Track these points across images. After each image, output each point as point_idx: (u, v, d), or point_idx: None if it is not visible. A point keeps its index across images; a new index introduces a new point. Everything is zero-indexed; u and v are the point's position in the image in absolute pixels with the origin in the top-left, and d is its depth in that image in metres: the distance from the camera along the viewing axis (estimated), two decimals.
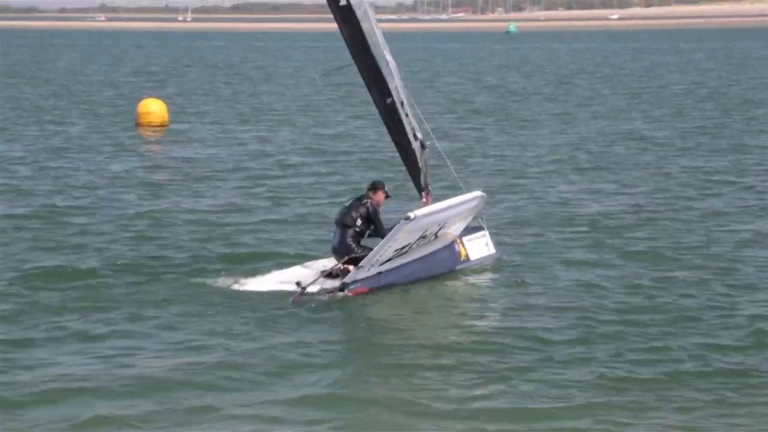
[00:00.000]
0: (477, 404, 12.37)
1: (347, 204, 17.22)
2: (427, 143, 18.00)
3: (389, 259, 16.70)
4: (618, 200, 24.91)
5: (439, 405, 12.30)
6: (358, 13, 16.72)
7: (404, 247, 16.73)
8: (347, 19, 16.74)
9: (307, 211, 23.57)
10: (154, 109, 41.02)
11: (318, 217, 22.72)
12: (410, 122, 17.66)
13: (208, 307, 15.98)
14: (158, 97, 45.69)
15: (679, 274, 17.95)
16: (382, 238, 16.51)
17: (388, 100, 17.29)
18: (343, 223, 16.98)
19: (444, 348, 14.35)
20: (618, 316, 15.67)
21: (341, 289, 16.37)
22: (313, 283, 16.39)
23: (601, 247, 19.88)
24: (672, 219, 22.55)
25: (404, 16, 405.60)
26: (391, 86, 17.23)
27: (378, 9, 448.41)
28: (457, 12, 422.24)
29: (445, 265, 17.81)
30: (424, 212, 16.69)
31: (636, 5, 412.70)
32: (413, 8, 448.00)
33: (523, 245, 20.01)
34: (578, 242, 20.42)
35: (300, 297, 16.06)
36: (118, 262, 18.54)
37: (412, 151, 17.86)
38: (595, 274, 17.94)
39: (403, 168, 18.36)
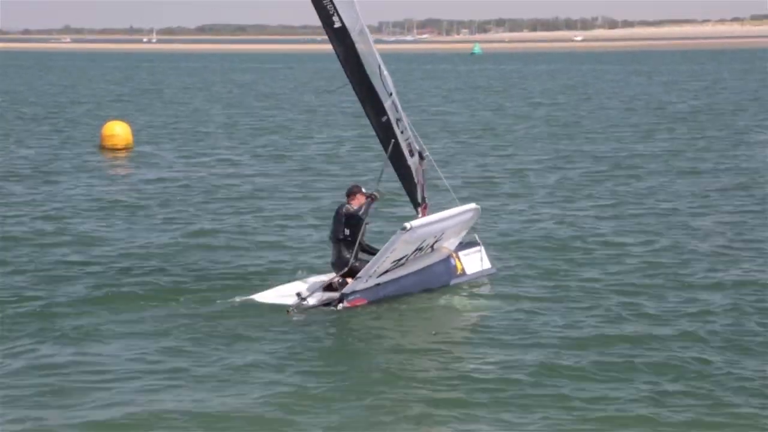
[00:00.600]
0: (467, 416, 12.58)
1: (333, 220, 17.53)
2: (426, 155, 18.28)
3: (387, 271, 17.06)
4: (612, 217, 25.41)
5: (433, 413, 12.64)
6: (353, 35, 16.90)
7: (401, 259, 17.12)
8: (341, 39, 16.91)
9: (277, 234, 23.36)
10: (118, 131, 40.72)
11: (288, 238, 22.59)
12: (407, 138, 17.88)
13: (199, 323, 16.11)
14: (123, 119, 45.38)
15: (677, 290, 18.30)
16: (354, 242, 16.97)
17: (383, 118, 17.53)
18: (335, 239, 17.32)
19: (438, 360, 14.63)
20: (615, 328, 16.04)
21: (340, 300, 16.75)
22: (312, 294, 16.86)
23: (595, 263, 20.30)
24: (665, 235, 22.91)
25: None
26: (386, 104, 17.44)
27: None
28: (422, 33, 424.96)
29: (441, 279, 18.23)
30: (421, 223, 17.08)
31: (599, 27, 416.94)
32: (378, 30, 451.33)
33: (516, 260, 20.41)
34: (571, 259, 20.74)
35: (299, 308, 16.49)
36: (96, 290, 18.30)
37: (408, 168, 18.15)
38: (589, 289, 18.30)
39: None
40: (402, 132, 17.73)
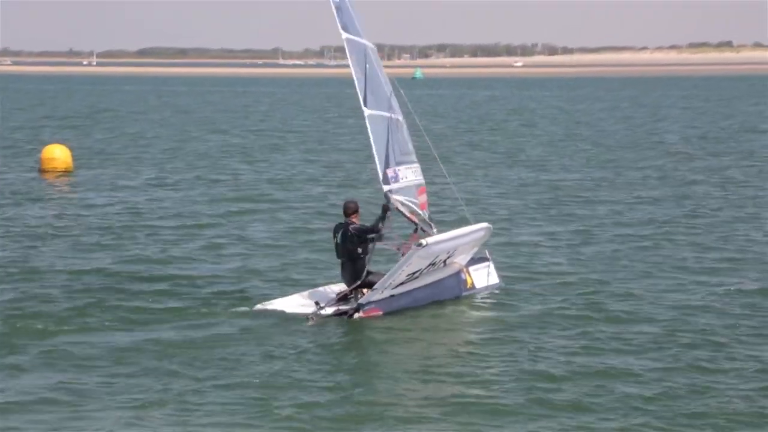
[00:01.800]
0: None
1: (339, 240, 18.03)
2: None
3: (402, 283, 17.85)
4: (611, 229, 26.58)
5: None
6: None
7: (415, 272, 17.92)
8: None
9: (215, 261, 23.24)
10: (58, 154, 40.36)
11: (230, 265, 22.49)
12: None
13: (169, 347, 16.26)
14: (63, 142, 44.96)
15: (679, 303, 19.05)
16: (375, 232, 17.82)
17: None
18: (349, 257, 17.94)
19: (447, 370, 15.16)
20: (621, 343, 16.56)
21: (357, 310, 17.48)
22: (329, 304, 17.62)
23: (601, 277, 21.23)
24: (668, 245, 24.38)
25: (311, 62, 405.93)
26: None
27: (285, 54, 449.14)
28: None
29: (452, 292, 19.13)
30: (435, 240, 17.97)
31: (539, 53, 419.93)
32: (320, 54, 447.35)
33: (523, 275, 21.34)
34: (576, 271, 21.77)
35: (317, 317, 17.26)
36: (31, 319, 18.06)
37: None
38: (596, 303, 18.96)
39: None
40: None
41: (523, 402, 13.78)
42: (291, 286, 20.13)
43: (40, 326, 17.32)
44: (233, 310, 18.31)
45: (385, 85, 19.32)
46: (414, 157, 19.53)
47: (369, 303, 17.62)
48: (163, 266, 22.36)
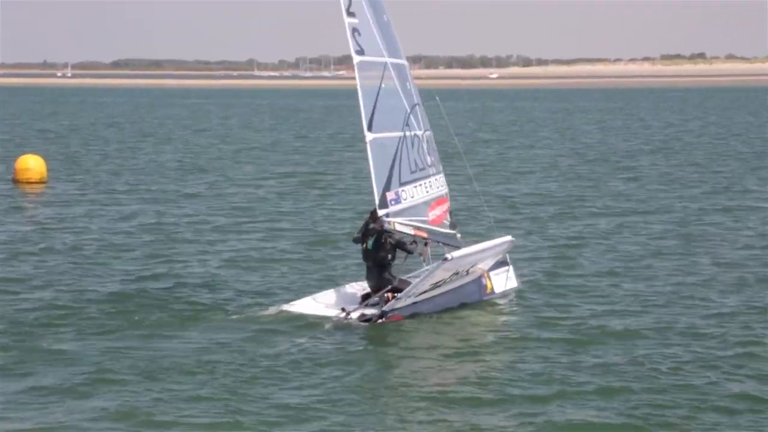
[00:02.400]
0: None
1: (371, 246, 18.57)
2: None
3: (424, 291, 18.45)
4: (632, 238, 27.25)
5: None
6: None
7: (439, 282, 18.60)
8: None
9: (192, 274, 23.19)
10: (32, 165, 40.20)
11: (206, 278, 22.41)
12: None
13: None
14: (37, 153, 44.80)
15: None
16: (410, 252, 18.78)
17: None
18: (377, 263, 18.56)
19: (467, 371, 15.83)
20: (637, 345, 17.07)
21: (380, 316, 18.03)
22: (354, 310, 18.18)
23: (618, 281, 21.94)
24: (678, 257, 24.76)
25: (287, 73, 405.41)
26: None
27: (260, 65, 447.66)
28: (339, 69, 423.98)
29: (473, 297, 19.65)
30: (461, 254, 18.59)
31: (514, 65, 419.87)
32: (296, 65, 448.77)
33: (541, 279, 22.00)
34: (592, 276, 22.46)
35: (339, 322, 17.91)
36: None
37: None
38: (611, 307, 19.59)
39: None
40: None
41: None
42: (265, 297, 20.24)
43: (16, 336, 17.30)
44: (215, 317, 18.61)
45: (407, 100, 19.55)
46: (433, 170, 19.83)
47: (393, 310, 18.21)
48: (133, 277, 22.36)
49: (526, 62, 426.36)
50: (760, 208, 32.93)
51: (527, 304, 19.89)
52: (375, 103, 18.74)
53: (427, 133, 19.96)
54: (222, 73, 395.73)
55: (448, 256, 18.16)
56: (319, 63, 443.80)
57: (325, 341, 17.22)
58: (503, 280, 20.26)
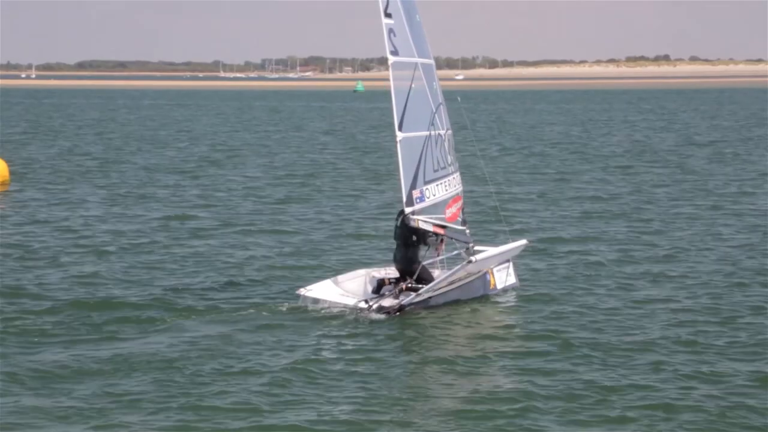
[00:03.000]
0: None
1: (399, 224, 19.62)
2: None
3: (441, 287, 19.53)
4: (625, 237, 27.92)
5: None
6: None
7: (456, 280, 19.74)
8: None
9: (148, 281, 22.98)
10: None
11: (164, 283, 22.26)
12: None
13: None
14: None
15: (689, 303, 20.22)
16: (419, 247, 19.62)
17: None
18: (404, 242, 19.52)
19: (476, 361, 16.57)
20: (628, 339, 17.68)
21: (399, 310, 18.94)
22: (376, 300, 19.12)
23: (613, 278, 22.51)
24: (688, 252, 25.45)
25: (252, 75, 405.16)
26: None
27: (225, 67, 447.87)
28: (305, 71, 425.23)
29: (478, 292, 20.55)
30: (484, 257, 19.80)
31: (480, 66, 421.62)
32: (261, 67, 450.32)
33: (538, 276, 22.75)
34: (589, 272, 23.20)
35: (366, 312, 18.82)
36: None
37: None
38: (604, 302, 20.35)
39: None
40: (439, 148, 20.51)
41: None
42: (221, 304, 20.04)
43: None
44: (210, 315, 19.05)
45: (433, 99, 20.33)
46: (452, 169, 20.63)
47: (410, 304, 19.12)
48: (101, 279, 22.17)
49: (492, 64, 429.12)
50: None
51: (525, 300, 20.71)
52: (406, 103, 19.54)
53: (449, 132, 20.72)
54: (188, 74, 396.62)
55: (473, 258, 19.44)
56: (285, 64, 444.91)
57: (341, 336, 17.91)
58: (504, 277, 21.09)
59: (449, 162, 20.54)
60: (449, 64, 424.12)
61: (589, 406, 14.32)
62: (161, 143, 64.96)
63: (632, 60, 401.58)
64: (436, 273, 20.14)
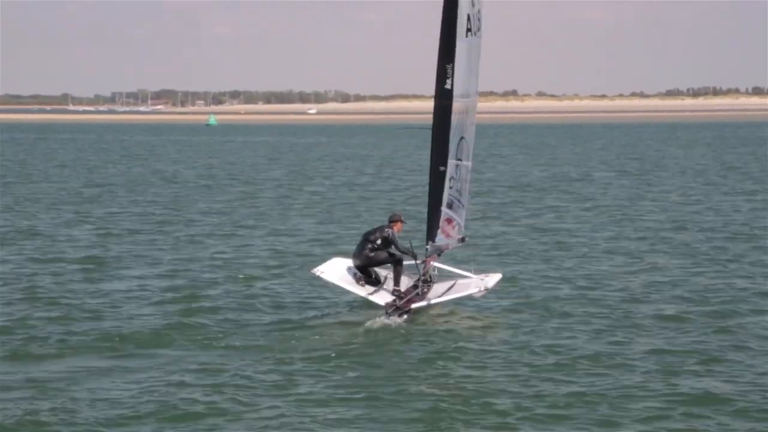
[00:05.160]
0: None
1: (375, 227, 22.39)
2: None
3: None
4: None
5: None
6: (455, 97, 21.30)
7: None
8: (445, 97, 21.35)
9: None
10: None
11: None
12: (453, 189, 22.10)
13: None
14: None
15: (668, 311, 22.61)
16: (400, 251, 21.79)
17: (441, 168, 21.68)
18: (366, 239, 21.94)
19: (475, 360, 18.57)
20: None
21: (407, 312, 21.44)
22: (393, 312, 21.26)
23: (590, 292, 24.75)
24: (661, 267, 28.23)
25: (102, 108, 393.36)
26: (449, 161, 21.61)
27: (74, 100, 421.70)
28: (156, 104, 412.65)
29: (465, 297, 22.49)
30: (492, 285, 22.09)
31: (332, 100, 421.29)
32: (111, 100, 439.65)
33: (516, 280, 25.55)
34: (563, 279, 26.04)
35: (385, 319, 21.20)
36: None
37: (439, 211, 22.06)
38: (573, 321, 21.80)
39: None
40: (451, 187, 21.96)
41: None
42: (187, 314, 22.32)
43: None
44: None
45: (465, 132, 22.03)
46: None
47: (418, 309, 21.44)
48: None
49: (345, 98, 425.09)
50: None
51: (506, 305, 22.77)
52: (451, 134, 21.32)
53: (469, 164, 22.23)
54: (35, 107, 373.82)
55: (482, 287, 21.58)
56: (135, 98, 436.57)
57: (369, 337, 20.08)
58: (493, 280, 22.39)
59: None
60: (302, 97, 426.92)
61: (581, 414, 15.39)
62: None
63: (482, 95, 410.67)
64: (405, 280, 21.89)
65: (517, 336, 20.52)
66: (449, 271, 22.87)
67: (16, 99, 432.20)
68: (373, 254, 21.95)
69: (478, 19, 21.42)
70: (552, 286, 25.70)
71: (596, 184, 57.26)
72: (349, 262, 22.33)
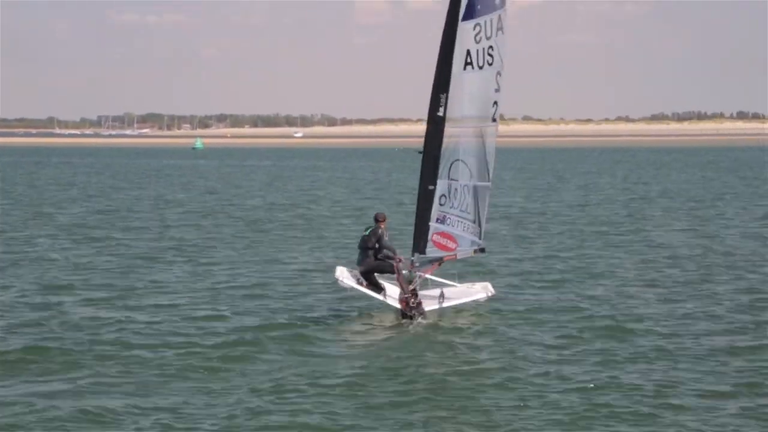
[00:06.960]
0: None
1: (366, 234, 23.33)
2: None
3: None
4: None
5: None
6: (448, 123, 22.42)
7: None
8: (437, 122, 22.51)
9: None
10: None
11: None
12: (443, 207, 23.19)
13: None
14: None
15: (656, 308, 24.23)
16: (385, 248, 23.12)
17: (430, 187, 22.81)
18: (365, 247, 23.19)
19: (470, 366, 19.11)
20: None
21: (422, 314, 23.01)
22: (417, 319, 22.76)
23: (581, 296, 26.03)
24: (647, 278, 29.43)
25: (88, 131, 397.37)
26: (439, 181, 22.70)
27: (60, 124, 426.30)
28: (142, 128, 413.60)
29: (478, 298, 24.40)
30: (493, 291, 24.19)
31: (319, 124, 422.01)
32: (98, 124, 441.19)
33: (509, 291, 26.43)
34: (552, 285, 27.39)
35: (405, 320, 22.80)
36: None
37: (427, 228, 23.28)
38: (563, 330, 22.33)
39: None
40: (442, 204, 22.98)
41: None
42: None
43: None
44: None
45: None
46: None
47: (430, 310, 23.05)
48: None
49: (331, 121, 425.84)
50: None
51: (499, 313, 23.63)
52: (441, 156, 22.55)
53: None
54: (21, 131, 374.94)
55: (488, 293, 23.69)
56: (122, 121, 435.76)
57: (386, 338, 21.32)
58: (490, 287, 24.31)
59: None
60: (288, 121, 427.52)
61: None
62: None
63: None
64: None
65: (516, 340, 21.29)
66: (439, 282, 23.90)
67: (2, 122, 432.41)
68: (377, 261, 23.13)
69: (489, 54, 22.14)
70: (550, 293, 26.77)
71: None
72: (353, 271, 23.52)
